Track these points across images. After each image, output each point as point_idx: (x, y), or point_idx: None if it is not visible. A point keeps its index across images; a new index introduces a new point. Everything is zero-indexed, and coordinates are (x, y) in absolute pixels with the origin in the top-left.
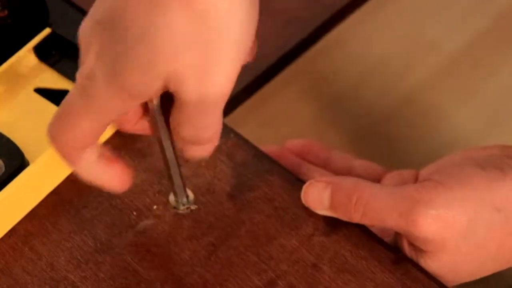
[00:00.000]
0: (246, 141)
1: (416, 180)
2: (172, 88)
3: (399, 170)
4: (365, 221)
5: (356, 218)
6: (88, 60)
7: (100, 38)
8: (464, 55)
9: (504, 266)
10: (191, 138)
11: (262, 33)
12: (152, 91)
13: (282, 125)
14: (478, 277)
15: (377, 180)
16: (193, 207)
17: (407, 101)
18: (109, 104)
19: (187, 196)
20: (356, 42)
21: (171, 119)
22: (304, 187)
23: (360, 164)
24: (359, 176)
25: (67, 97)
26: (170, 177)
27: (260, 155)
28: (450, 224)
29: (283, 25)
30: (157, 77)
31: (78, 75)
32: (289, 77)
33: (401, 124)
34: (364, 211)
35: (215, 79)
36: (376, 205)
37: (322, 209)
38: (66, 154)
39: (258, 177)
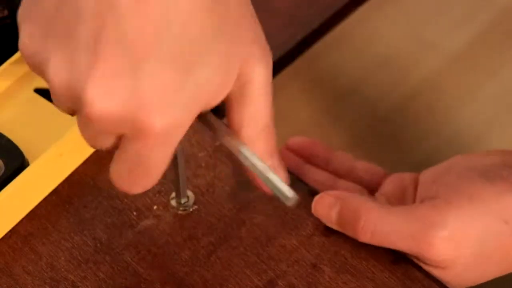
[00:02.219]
0: None
1: (416, 183)
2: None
3: (399, 173)
4: (373, 243)
5: (363, 240)
6: None
7: None
8: (464, 55)
9: (506, 271)
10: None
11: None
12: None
13: (282, 125)
14: (481, 282)
15: (377, 182)
16: (193, 207)
17: (407, 100)
18: None
19: (188, 198)
20: (356, 42)
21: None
22: (315, 199)
23: (361, 165)
24: (360, 178)
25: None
26: (175, 179)
27: None
28: (462, 242)
29: (283, 25)
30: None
31: None
32: (289, 77)
33: (401, 124)
34: (372, 234)
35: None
36: (385, 229)
37: (330, 224)
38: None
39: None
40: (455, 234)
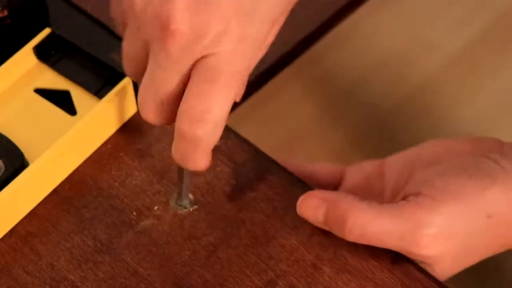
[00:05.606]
0: (246, 141)
1: (380, 170)
2: None
3: (358, 163)
4: (361, 242)
5: (351, 240)
6: None
7: None
8: (464, 55)
9: (486, 257)
10: (194, 115)
11: None
12: None
13: (283, 125)
14: (461, 269)
15: (338, 178)
16: (193, 207)
17: (407, 100)
18: None
19: (188, 198)
20: (357, 42)
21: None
22: (300, 199)
23: (319, 168)
24: (319, 180)
25: None
26: (180, 181)
27: (260, 155)
28: (448, 239)
29: (283, 25)
30: None
31: None
32: (290, 77)
33: (401, 124)
34: (360, 235)
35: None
36: (374, 230)
37: (317, 223)
38: None
39: (258, 177)
40: (442, 232)
